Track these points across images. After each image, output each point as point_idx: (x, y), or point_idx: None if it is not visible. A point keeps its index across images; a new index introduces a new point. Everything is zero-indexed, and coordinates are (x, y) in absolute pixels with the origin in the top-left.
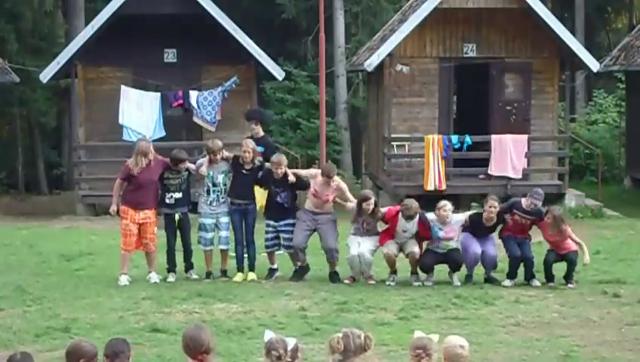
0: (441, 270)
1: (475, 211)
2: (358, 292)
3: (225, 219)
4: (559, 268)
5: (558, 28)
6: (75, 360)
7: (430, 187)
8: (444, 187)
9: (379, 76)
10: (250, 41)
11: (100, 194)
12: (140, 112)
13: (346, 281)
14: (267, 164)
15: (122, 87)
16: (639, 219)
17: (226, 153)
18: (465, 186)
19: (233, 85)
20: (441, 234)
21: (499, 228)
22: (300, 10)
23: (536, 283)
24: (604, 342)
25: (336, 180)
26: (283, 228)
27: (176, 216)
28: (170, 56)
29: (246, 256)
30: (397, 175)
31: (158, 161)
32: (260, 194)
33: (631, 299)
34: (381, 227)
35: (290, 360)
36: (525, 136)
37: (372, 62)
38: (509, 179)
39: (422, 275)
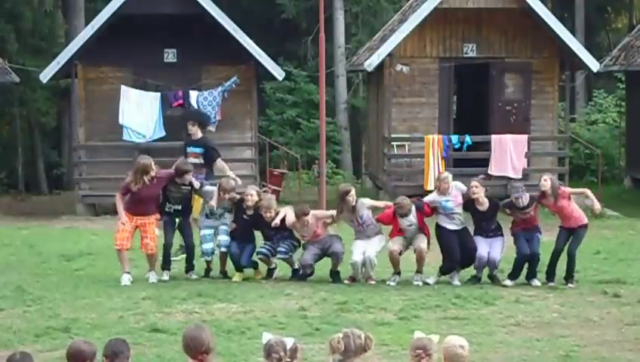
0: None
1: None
2: (358, 292)
3: (224, 227)
4: (559, 268)
5: (558, 28)
6: None
7: (430, 187)
8: None
9: (379, 76)
10: (250, 41)
11: (100, 194)
12: (139, 112)
13: (346, 281)
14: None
15: (122, 87)
16: (639, 219)
17: (233, 194)
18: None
19: (233, 85)
20: (450, 204)
21: (505, 224)
22: (300, 10)
23: (536, 283)
24: (604, 342)
25: (309, 218)
26: (280, 244)
27: (177, 220)
28: (170, 56)
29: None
30: (397, 175)
31: (161, 177)
32: (196, 203)
33: (631, 299)
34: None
35: (289, 360)
36: (525, 136)
37: (372, 62)
38: (509, 179)
39: (424, 275)
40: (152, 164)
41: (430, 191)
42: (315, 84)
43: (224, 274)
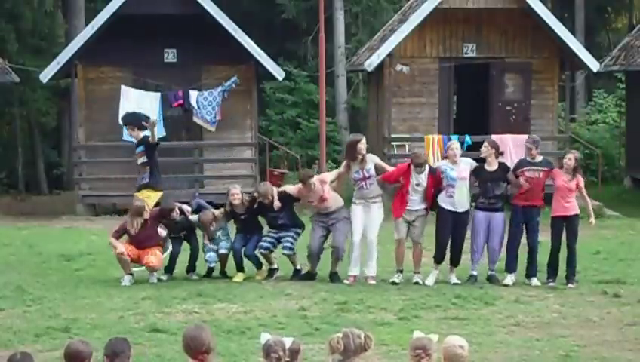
0: (441, 270)
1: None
2: (358, 292)
3: (225, 243)
4: (560, 268)
5: (558, 28)
6: None
7: None
8: None
9: (379, 76)
10: (250, 41)
11: (100, 194)
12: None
13: (346, 281)
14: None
15: (122, 87)
16: (639, 219)
17: (216, 213)
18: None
19: (233, 85)
20: (454, 173)
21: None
22: (300, 10)
23: (535, 282)
24: (604, 342)
25: (314, 180)
26: (284, 234)
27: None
28: (170, 56)
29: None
30: None
31: (154, 217)
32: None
33: (631, 299)
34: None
35: (289, 359)
36: (525, 136)
37: (372, 62)
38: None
39: (423, 274)
40: (145, 206)
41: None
42: (315, 84)
43: (224, 274)
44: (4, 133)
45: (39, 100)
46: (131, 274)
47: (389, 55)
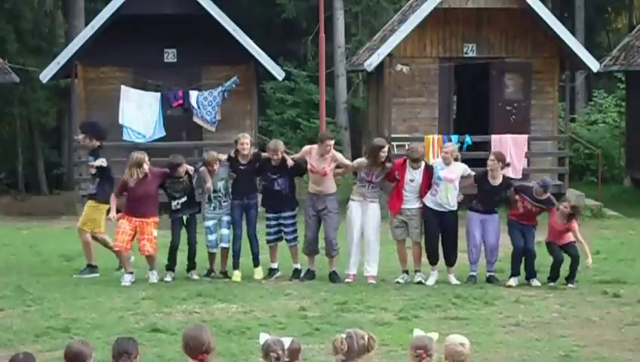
0: (441, 270)
1: (481, 169)
2: (358, 292)
3: (226, 218)
4: (561, 268)
5: (558, 28)
6: None
7: None
8: None
9: (379, 76)
10: (250, 41)
11: None
12: (139, 112)
13: (347, 280)
14: (264, 154)
15: (122, 87)
16: (639, 219)
17: (221, 156)
18: (465, 186)
19: (233, 85)
20: (441, 173)
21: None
22: (300, 10)
23: (536, 283)
24: (604, 342)
25: (332, 151)
26: (284, 222)
27: (184, 217)
28: (170, 56)
29: (247, 253)
30: None
31: (155, 174)
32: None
33: (631, 299)
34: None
35: (288, 359)
36: (525, 136)
37: (372, 62)
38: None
39: (424, 273)
40: (146, 158)
41: None
42: (315, 84)
43: (224, 274)
44: (4, 133)
45: (39, 100)
46: (131, 272)
47: (389, 55)
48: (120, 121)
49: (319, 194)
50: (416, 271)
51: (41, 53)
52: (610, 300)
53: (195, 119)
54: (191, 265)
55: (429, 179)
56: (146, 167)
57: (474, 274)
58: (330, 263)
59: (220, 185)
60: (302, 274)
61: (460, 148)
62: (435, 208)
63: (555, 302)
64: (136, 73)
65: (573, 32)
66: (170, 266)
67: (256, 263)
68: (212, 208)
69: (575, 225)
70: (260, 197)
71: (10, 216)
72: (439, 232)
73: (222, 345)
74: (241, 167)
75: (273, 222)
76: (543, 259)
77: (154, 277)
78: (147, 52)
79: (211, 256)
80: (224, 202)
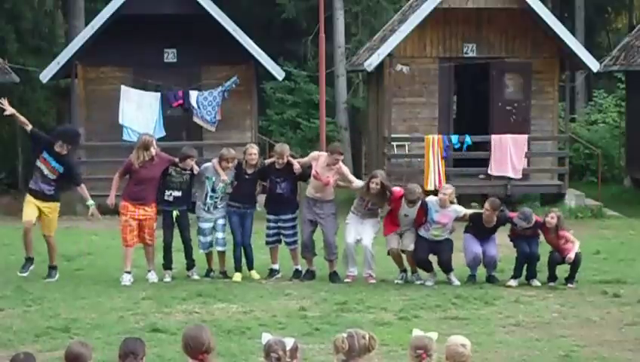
0: (440, 270)
1: (475, 211)
2: (358, 292)
3: (222, 221)
4: (561, 268)
5: (558, 28)
6: None
7: (430, 187)
8: None
9: (379, 76)
10: (250, 41)
11: (101, 194)
12: (139, 112)
13: (347, 280)
14: (267, 161)
15: (122, 87)
16: (639, 219)
17: (235, 160)
18: (465, 186)
19: (233, 85)
20: (436, 216)
21: (503, 228)
22: (300, 10)
23: (536, 283)
24: (604, 342)
25: (340, 163)
26: (283, 224)
27: (174, 213)
28: (170, 56)
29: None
30: (397, 175)
31: (162, 158)
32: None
33: (631, 299)
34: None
35: (289, 360)
36: (525, 136)
37: (372, 62)
38: (509, 179)
39: (423, 274)
40: (154, 141)
41: (430, 191)
42: (315, 84)
43: (224, 274)
44: (4, 133)
45: (39, 100)
46: (129, 272)
47: (389, 55)
48: (120, 121)
49: (317, 200)
50: (413, 273)
51: (41, 53)
52: (610, 300)
53: (195, 119)
54: (190, 263)
55: (424, 215)
56: (153, 150)
57: (474, 273)
58: (330, 266)
59: (220, 186)
60: (301, 272)
61: (460, 148)
62: (427, 237)
63: (555, 302)
64: (136, 73)
65: (573, 32)
66: (167, 265)
67: (250, 268)
68: (206, 209)
69: (564, 231)
70: (257, 205)
71: (10, 216)
72: (427, 255)
73: (222, 345)
74: (247, 176)
75: (273, 224)
76: (546, 258)
77: (154, 277)
78: (147, 52)
79: (208, 256)
80: (220, 205)
